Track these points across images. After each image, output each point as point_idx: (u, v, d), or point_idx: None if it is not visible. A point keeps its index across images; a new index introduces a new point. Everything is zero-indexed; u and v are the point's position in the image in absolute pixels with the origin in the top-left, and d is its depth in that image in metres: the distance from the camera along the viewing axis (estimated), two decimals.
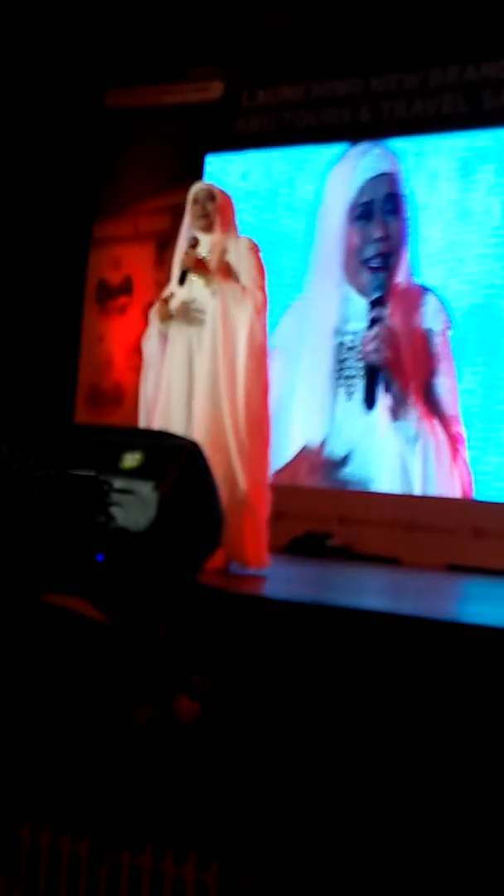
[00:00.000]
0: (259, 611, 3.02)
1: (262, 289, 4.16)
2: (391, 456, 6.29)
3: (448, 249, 6.27)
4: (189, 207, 4.28)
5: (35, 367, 7.16)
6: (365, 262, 6.47)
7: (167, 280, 4.57)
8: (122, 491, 3.16)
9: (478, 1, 6.19)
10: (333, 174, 6.69)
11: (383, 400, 6.30)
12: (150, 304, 4.71)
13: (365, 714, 2.56)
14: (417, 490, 6.23)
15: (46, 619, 2.63)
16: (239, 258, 4.18)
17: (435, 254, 6.31)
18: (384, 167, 6.52)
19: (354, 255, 6.53)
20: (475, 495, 6.04)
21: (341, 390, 6.49)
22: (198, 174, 6.95)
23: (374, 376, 6.35)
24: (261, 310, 4.13)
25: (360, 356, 6.37)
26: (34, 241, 7.23)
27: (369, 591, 4.28)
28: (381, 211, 6.48)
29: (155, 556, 3.12)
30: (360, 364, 6.36)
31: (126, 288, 7.35)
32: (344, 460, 6.48)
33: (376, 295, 6.36)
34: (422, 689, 2.58)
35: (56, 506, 3.17)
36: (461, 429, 6.15)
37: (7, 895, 2.37)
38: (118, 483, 3.18)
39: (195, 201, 4.24)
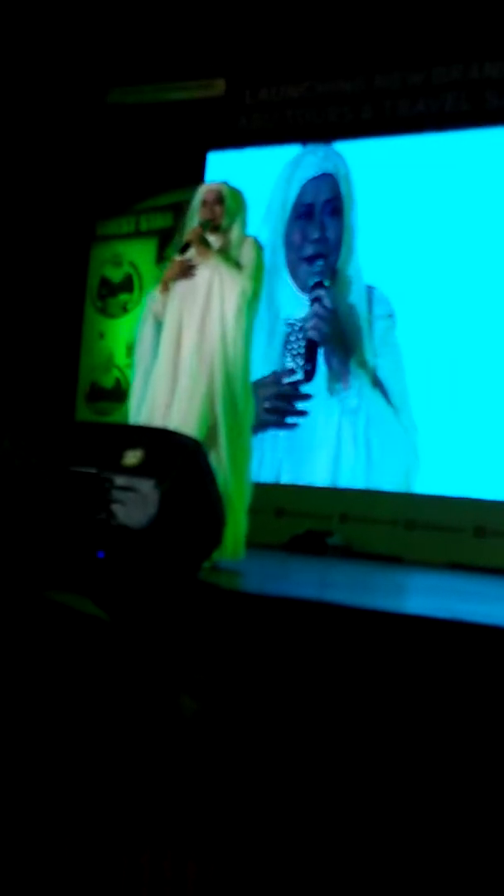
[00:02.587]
0: (235, 606, 2.99)
1: (257, 282, 4.14)
2: (330, 424, 6.48)
3: (392, 247, 6.39)
4: (198, 208, 4.20)
5: (36, 365, 7.17)
6: (303, 259, 6.71)
7: None
8: (124, 488, 3.15)
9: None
10: (281, 173, 6.83)
11: (323, 372, 6.55)
12: None
13: (362, 714, 2.56)
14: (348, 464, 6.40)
15: (47, 616, 2.63)
16: (241, 254, 4.17)
17: (379, 251, 6.46)
18: (327, 168, 6.69)
19: (295, 251, 6.76)
20: (477, 493, 6.03)
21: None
22: (200, 172, 6.96)
23: (313, 350, 6.56)
24: (251, 301, 4.12)
25: (300, 335, 6.63)
26: (36, 239, 7.24)
27: (368, 589, 4.28)
28: (321, 212, 6.69)
29: (155, 553, 3.12)
30: (303, 342, 6.62)
31: (127, 285, 7.35)
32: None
33: (315, 280, 6.56)
34: (420, 689, 2.58)
35: (57, 503, 3.17)
36: (410, 420, 6.26)
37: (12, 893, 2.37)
38: (119, 480, 3.17)
39: (204, 203, 4.16)
